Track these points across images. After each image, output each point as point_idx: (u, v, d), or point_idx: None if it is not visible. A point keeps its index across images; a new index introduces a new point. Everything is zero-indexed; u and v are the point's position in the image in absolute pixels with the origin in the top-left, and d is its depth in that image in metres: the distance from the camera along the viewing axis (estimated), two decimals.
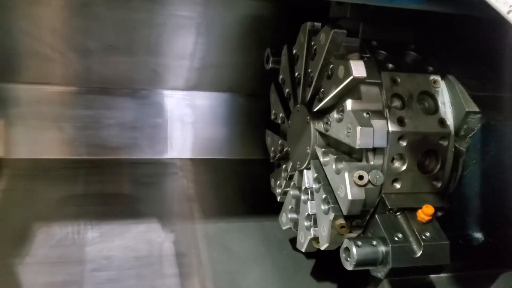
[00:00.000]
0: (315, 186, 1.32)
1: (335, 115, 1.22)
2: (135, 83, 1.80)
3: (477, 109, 1.21)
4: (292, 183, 1.51)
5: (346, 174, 1.14)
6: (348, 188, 1.14)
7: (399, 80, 1.20)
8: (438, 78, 1.23)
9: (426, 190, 1.22)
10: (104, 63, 1.74)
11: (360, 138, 1.10)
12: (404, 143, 1.17)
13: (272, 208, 1.64)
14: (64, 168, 1.81)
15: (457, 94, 1.23)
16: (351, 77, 1.13)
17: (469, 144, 1.25)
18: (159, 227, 1.64)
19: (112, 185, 1.77)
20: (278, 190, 1.63)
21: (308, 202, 1.35)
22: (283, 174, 1.59)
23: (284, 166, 1.59)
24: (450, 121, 1.22)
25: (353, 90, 1.18)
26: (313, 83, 1.33)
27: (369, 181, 1.14)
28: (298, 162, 1.43)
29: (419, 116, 1.19)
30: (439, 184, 1.23)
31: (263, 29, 1.79)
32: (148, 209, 1.70)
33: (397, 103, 1.20)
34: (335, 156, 1.22)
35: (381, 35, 1.32)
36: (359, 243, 1.12)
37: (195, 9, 1.72)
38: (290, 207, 1.51)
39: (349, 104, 1.15)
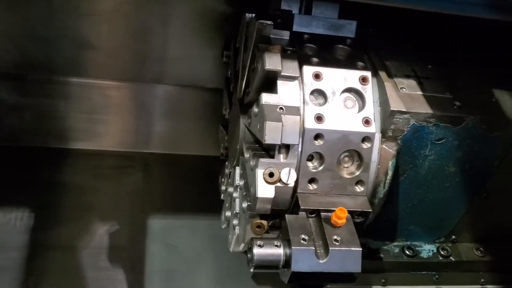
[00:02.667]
0: (241, 183, 1.27)
1: (254, 109, 1.17)
2: (94, 74, 1.78)
3: (403, 109, 1.13)
4: (229, 181, 1.46)
5: (257, 171, 1.08)
6: (257, 185, 1.08)
7: (322, 75, 1.13)
8: (367, 75, 1.15)
9: (347, 193, 1.14)
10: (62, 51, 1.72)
11: (267, 133, 1.04)
12: (321, 142, 1.10)
13: None
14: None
15: (385, 92, 1.15)
16: (264, 70, 1.08)
17: (400, 147, 1.17)
18: (103, 219, 1.62)
19: (65, 175, 1.75)
20: (222, 188, 1.58)
21: (236, 200, 1.30)
22: (226, 171, 1.54)
23: (226, 163, 1.54)
24: (377, 121, 1.15)
25: (270, 84, 1.12)
26: (245, 77, 1.28)
27: (279, 179, 1.08)
28: (232, 158, 1.38)
29: (341, 114, 1.12)
30: (363, 188, 1.15)
31: (224, 23, 1.74)
32: (96, 201, 1.68)
33: (319, 99, 1.14)
34: (253, 152, 1.16)
35: (317, 29, 1.25)
36: (261, 243, 1.05)
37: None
38: (227, 205, 1.46)
39: (263, 97, 1.09)
